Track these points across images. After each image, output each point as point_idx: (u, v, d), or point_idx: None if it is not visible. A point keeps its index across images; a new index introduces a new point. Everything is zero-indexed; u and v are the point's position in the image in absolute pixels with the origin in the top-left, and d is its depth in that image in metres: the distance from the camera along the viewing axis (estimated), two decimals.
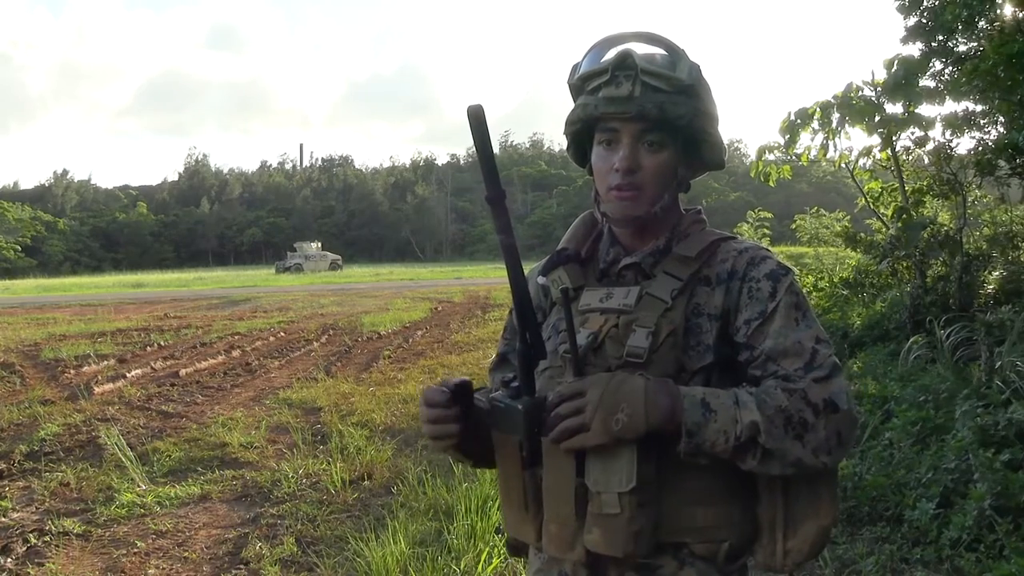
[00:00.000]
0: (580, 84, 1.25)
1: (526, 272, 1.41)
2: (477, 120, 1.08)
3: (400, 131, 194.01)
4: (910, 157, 8.14)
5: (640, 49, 1.22)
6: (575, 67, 1.27)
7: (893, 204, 8.18)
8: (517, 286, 1.16)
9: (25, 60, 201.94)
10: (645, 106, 1.18)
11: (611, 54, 1.23)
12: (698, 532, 1.19)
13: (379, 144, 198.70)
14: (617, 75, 1.20)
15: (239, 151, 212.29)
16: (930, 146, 7.64)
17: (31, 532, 4.01)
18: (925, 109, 7.46)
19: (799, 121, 7.67)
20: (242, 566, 3.64)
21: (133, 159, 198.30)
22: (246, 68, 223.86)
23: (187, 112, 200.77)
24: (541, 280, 1.32)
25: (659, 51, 1.22)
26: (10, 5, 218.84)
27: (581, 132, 1.28)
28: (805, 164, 8.62)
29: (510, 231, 1.13)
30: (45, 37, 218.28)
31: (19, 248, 59.27)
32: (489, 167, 1.09)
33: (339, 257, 52.35)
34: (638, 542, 1.13)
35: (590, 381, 1.15)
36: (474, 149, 1.11)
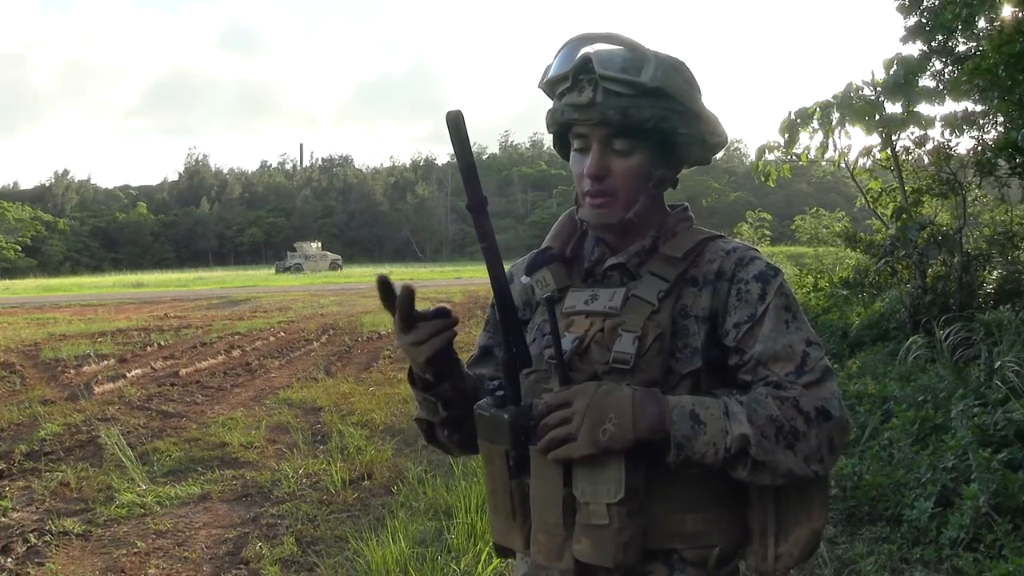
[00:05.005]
0: (549, 88, 1.24)
1: (507, 268, 1.40)
2: (456, 126, 1.05)
3: (407, 131, 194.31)
4: (910, 157, 8.13)
5: (602, 52, 1.18)
6: (546, 69, 1.24)
7: (892, 204, 8.18)
8: (501, 293, 1.15)
9: (38, 61, 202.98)
10: (607, 112, 1.16)
11: (575, 58, 1.20)
12: (688, 538, 1.17)
13: (385, 144, 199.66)
14: (580, 80, 1.18)
15: (245, 151, 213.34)
16: (930, 146, 7.64)
17: (31, 532, 4.01)
18: (925, 109, 7.46)
19: (799, 121, 7.66)
20: (242, 566, 3.65)
21: (138, 159, 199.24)
22: (257, 69, 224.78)
23: (195, 112, 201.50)
24: (525, 280, 1.30)
25: (622, 53, 1.18)
26: (25, 6, 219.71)
27: (560, 133, 1.27)
28: (805, 164, 8.61)
29: (492, 238, 1.11)
30: (56, 37, 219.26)
31: (19, 248, 59.27)
32: (470, 174, 1.07)
33: (339, 257, 52.40)
34: (627, 552, 1.12)
35: (577, 391, 1.13)
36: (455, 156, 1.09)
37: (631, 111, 1.16)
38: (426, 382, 1.24)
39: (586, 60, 1.17)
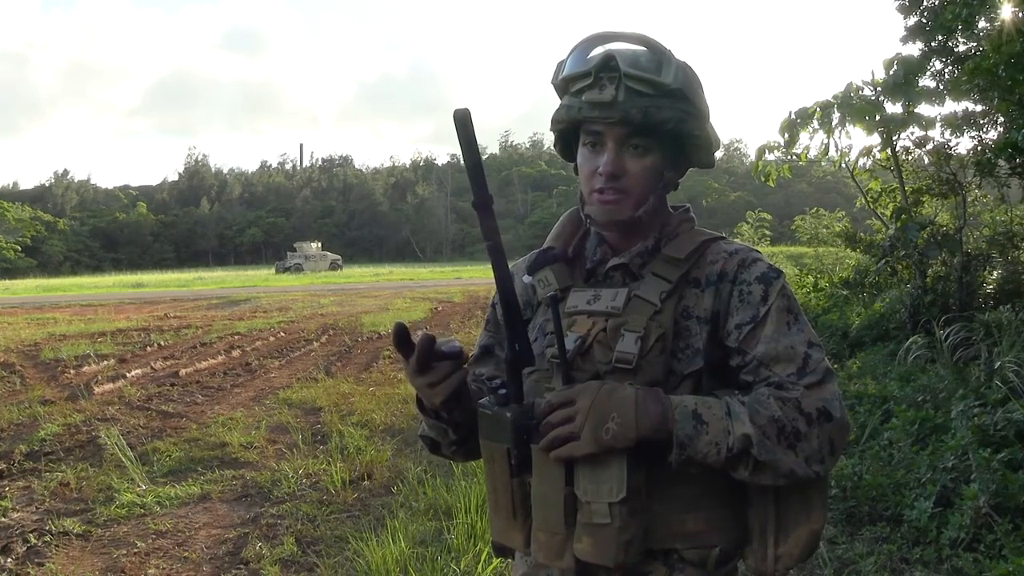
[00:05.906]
0: (564, 85, 1.23)
1: (510, 268, 1.40)
2: (464, 124, 1.05)
3: (409, 131, 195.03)
4: (910, 157, 8.13)
5: (624, 51, 1.18)
6: (560, 66, 1.24)
7: (892, 204, 8.18)
8: (505, 291, 1.15)
9: (40, 61, 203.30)
10: (629, 111, 1.15)
11: (595, 54, 1.19)
12: (688, 538, 1.18)
13: (387, 144, 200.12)
14: (601, 78, 1.17)
15: (246, 151, 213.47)
16: (930, 146, 7.64)
17: (31, 532, 4.01)
18: (925, 109, 7.46)
19: (799, 121, 7.65)
20: (242, 566, 3.65)
21: (139, 159, 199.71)
22: (259, 69, 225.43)
23: (196, 112, 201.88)
24: (527, 279, 1.30)
25: (644, 52, 1.18)
26: (27, 5, 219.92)
27: (567, 131, 1.26)
28: (805, 164, 8.61)
29: (497, 236, 1.11)
30: (58, 37, 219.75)
31: (19, 248, 59.26)
32: (476, 172, 1.07)
33: (339, 257, 52.39)
34: (628, 551, 1.12)
35: (580, 389, 1.13)
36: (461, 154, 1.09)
37: (652, 111, 1.16)
38: (438, 414, 1.24)
39: (609, 57, 1.17)
